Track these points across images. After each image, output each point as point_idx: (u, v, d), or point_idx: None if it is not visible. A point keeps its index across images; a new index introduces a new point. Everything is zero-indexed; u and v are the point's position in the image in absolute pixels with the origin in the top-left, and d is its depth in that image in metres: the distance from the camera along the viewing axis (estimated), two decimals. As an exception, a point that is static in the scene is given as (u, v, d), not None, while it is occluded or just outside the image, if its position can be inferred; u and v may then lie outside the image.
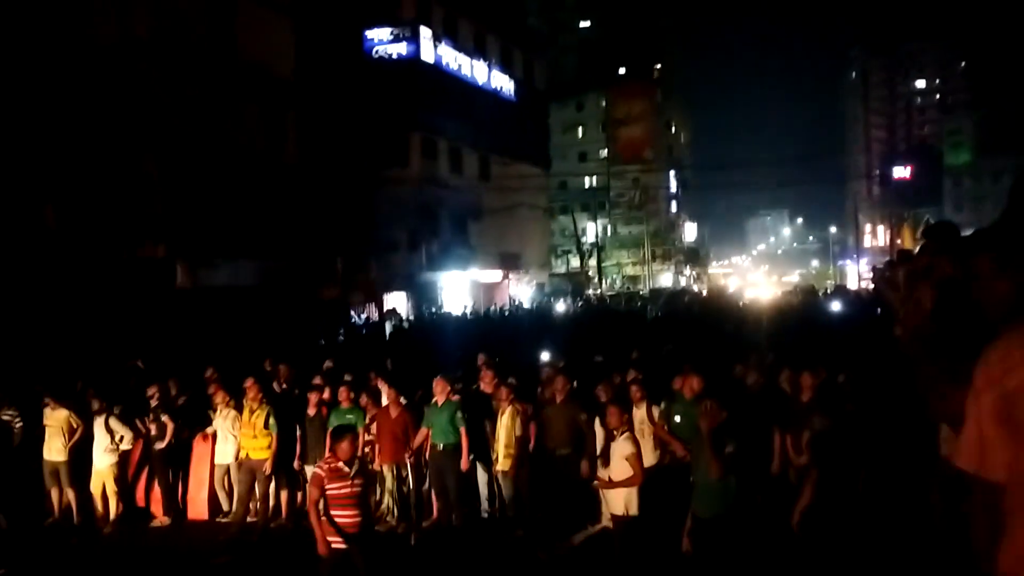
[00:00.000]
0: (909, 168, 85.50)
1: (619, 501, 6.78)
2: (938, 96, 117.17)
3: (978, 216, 67.15)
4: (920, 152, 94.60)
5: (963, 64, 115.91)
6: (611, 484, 6.80)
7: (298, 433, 9.77)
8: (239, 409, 9.81)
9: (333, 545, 6.28)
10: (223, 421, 9.91)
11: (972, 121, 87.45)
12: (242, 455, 9.68)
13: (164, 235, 20.86)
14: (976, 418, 2.16)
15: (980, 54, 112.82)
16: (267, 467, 9.53)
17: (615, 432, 6.85)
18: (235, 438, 9.79)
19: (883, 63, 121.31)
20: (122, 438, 10.00)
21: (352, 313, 25.88)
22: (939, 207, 76.54)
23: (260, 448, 9.56)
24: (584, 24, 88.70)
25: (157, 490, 10.27)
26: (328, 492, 6.34)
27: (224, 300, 20.13)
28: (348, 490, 6.36)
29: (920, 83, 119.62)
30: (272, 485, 9.81)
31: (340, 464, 6.41)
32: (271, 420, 9.56)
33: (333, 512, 6.33)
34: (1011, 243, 2.08)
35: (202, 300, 19.94)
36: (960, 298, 2.99)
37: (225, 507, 10.19)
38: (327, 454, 6.66)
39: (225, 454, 9.95)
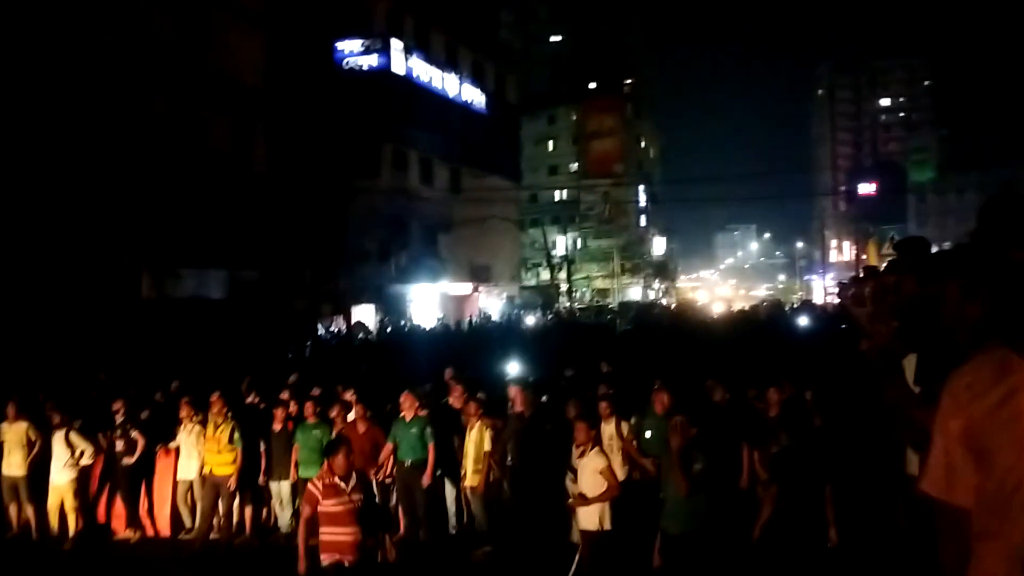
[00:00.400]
0: (874, 185, 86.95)
1: (592, 516, 6.72)
2: (903, 114, 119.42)
3: (942, 232, 68.33)
4: (885, 169, 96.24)
5: (927, 83, 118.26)
6: (586, 501, 6.74)
7: (263, 448, 9.65)
8: (204, 424, 9.65)
9: (324, 563, 6.08)
10: (187, 436, 9.74)
11: (936, 139, 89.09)
12: (206, 470, 9.52)
13: (129, 245, 20.58)
14: (943, 443, 2.17)
15: (944, 73, 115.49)
16: (231, 483, 9.38)
17: (584, 447, 6.81)
18: (199, 453, 9.63)
19: (850, 81, 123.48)
20: (83, 453, 9.78)
21: (320, 325, 25.65)
22: (904, 223, 77.80)
23: (224, 464, 9.41)
24: (556, 38, 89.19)
25: (119, 506, 10.06)
26: (323, 510, 6.14)
27: (190, 311, 19.88)
28: (344, 507, 6.16)
29: (885, 101, 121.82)
30: (236, 501, 9.66)
31: (336, 480, 6.24)
32: (236, 435, 9.42)
33: (327, 529, 6.12)
34: (979, 268, 2.09)
35: (167, 311, 19.67)
36: (926, 319, 3.02)
37: (188, 524, 10.00)
38: (322, 470, 6.46)
39: (188, 470, 9.77)
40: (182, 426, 9.80)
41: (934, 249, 4.57)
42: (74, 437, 9.74)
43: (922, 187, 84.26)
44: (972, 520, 2.06)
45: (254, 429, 9.64)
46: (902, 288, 3.79)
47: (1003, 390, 2.02)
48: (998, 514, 1.99)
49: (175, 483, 9.97)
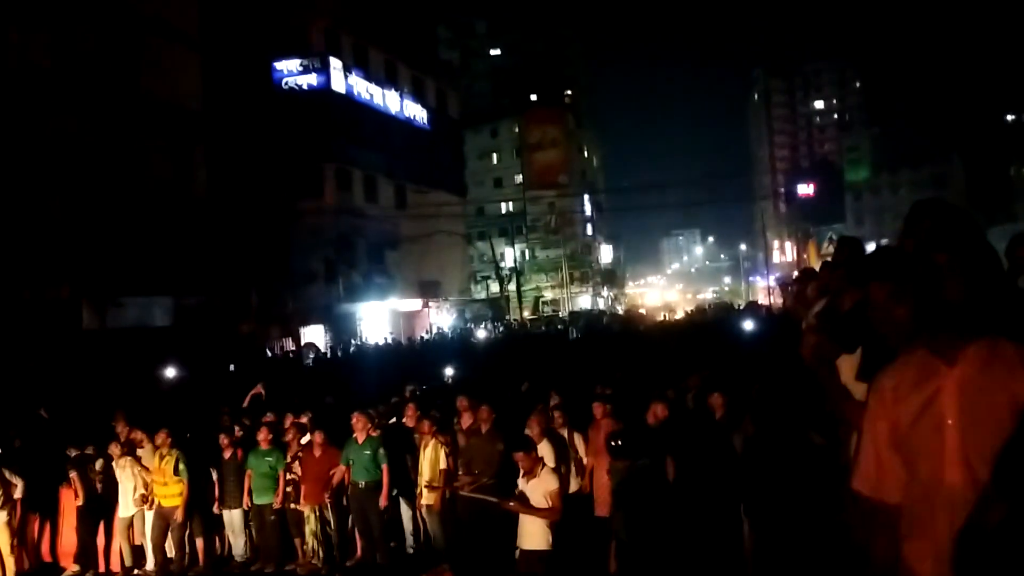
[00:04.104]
0: (812, 185, 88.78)
1: (537, 535, 6.50)
2: (836, 115, 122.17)
3: (879, 229, 70.02)
4: (822, 169, 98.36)
5: (858, 83, 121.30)
6: (529, 508, 6.54)
7: (215, 477, 9.50)
8: (137, 456, 9.46)
9: None
10: (122, 471, 9.52)
11: (869, 138, 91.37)
12: (156, 503, 9.34)
13: (68, 275, 20.09)
14: (872, 441, 2.24)
15: (874, 73, 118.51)
16: (178, 515, 9.22)
17: (536, 469, 6.65)
18: (134, 488, 9.42)
19: (783, 84, 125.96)
20: (15, 487, 9.51)
21: (268, 349, 25.31)
22: (842, 222, 79.47)
23: (172, 495, 9.25)
24: (495, 52, 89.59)
25: (65, 543, 9.81)
26: None
27: (134, 341, 19.44)
28: None
29: (819, 103, 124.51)
30: (187, 532, 9.48)
31: None
32: (181, 466, 9.25)
33: None
34: (905, 271, 2.16)
35: (110, 342, 19.22)
36: (855, 319, 3.12)
37: (128, 561, 9.70)
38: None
39: (126, 506, 9.54)
40: (115, 462, 9.57)
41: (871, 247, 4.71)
42: (7, 473, 9.47)
43: (858, 186, 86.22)
44: (901, 517, 2.13)
45: (203, 458, 9.49)
46: (831, 288, 3.91)
47: (926, 393, 2.08)
48: (923, 513, 2.06)
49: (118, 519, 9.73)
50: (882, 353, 2.54)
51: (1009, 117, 72.77)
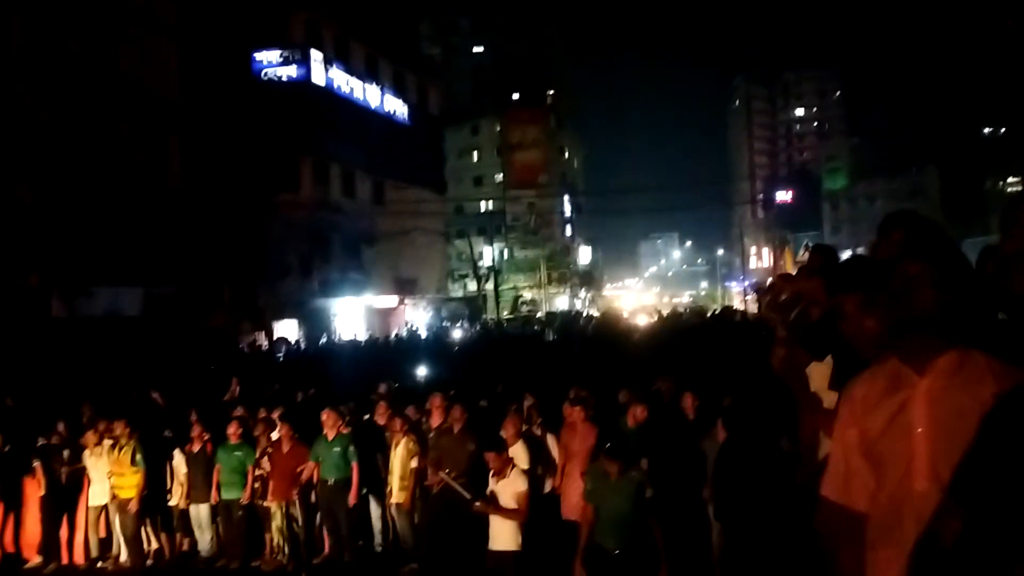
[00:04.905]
0: (790, 193, 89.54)
1: (506, 536, 6.50)
2: (816, 123, 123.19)
3: (855, 238, 70.66)
4: (800, 177, 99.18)
5: (838, 93, 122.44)
6: (498, 509, 6.55)
7: (185, 470, 9.39)
8: (113, 446, 9.35)
9: None
10: (96, 460, 9.41)
11: (847, 148, 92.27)
12: (115, 493, 9.25)
13: (38, 263, 19.79)
14: (842, 451, 2.24)
15: (854, 83, 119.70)
16: (132, 505, 9.12)
17: (505, 470, 6.64)
18: (107, 477, 9.31)
19: (764, 92, 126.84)
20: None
21: (240, 342, 25.07)
22: (819, 230, 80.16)
23: (130, 486, 9.16)
24: (478, 49, 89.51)
25: (29, 534, 9.65)
26: None
27: (103, 330, 19.20)
28: None
29: (799, 111, 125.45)
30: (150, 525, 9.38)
31: None
32: (138, 456, 9.15)
33: None
34: (878, 282, 2.17)
35: (79, 331, 18.96)
36: (825, 328, 3.10)
37: (95, 552, 9.61)
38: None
39: (98, 495, 9.44)
40: (88, 451, 9.46)
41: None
42: None
43: (835, 195, 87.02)
44: (867, 525, 2.13)
45: (165, 450, 9.38)
46: (804, 297, 3.90)
47: (896, 402, 2.09)
48: (891, 522, 2.06)
49: (87, 509, 9.62)
50: (852, 362, 2.53)
51: (986, 130, 73.72)
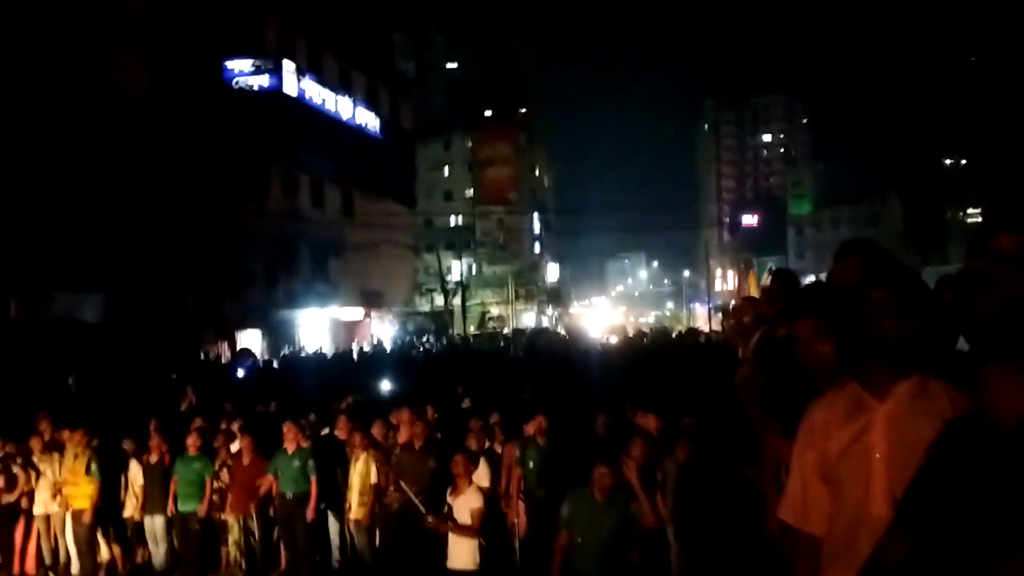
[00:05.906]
0: (756, 216, 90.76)
1: (465, 554, 6.45)
2: (783, 149, 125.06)
3: (819, 263, 71.56)
4: (766, 202, 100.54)
5: (805, 120, 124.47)
6: (451, 525, 6.49)
7: (141, 481, 9.22)
8: (61, 454, 9.17)
9: None
10: (43, 467, 9.20)
11: (813, 174, 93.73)
12: (70, 504, 9.05)
13: (-5, 266, 19.41)
14: (800, 473, 2.25)
15: (820, 110, 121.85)
16: (86, 516, 8.92)
17: (462, 486, 6.60)
18: (54, 486, 9.11)
19: (733, 116, 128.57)
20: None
21: (202, 352, 24.72)
22: (783, 254, 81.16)
23: (83, 496, 8.96)
24: (451, 65, 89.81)
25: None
26: None
27: (61, 335, 18.84)
28: None
29: (767, 136, 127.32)
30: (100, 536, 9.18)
31: None
32: (93, 466, 8.96)
33: None
34: (835, 308, 2.19)
35: (36, 335, 18.59)
36: (781, 353, 3.14)
37: (48, 560, 9.40)
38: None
39: (45, 504, 9.22)
40: (36, 457, 9.25)
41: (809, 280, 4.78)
42: None
43: (800, 220, 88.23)
44: (823, 548, 2.14)
45: (119, 460, 9.21)
46: (764, 323, 3.94)
47: (855, 427, 2.11)
48: (846, 543, 2.07)
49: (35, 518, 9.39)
50: (807, 388, 2.56)
51: (947, 161, 75.28)
